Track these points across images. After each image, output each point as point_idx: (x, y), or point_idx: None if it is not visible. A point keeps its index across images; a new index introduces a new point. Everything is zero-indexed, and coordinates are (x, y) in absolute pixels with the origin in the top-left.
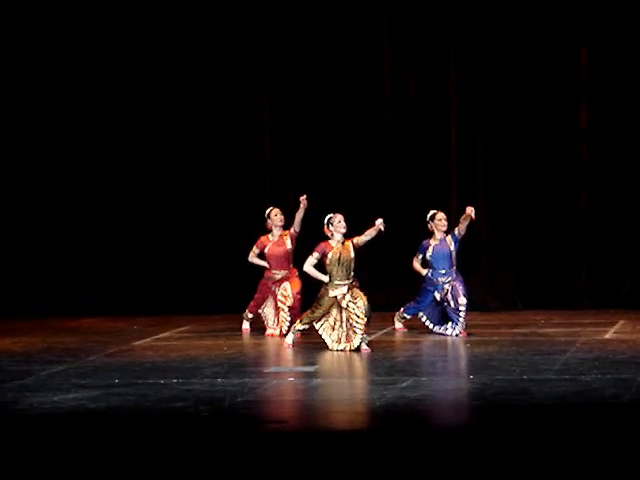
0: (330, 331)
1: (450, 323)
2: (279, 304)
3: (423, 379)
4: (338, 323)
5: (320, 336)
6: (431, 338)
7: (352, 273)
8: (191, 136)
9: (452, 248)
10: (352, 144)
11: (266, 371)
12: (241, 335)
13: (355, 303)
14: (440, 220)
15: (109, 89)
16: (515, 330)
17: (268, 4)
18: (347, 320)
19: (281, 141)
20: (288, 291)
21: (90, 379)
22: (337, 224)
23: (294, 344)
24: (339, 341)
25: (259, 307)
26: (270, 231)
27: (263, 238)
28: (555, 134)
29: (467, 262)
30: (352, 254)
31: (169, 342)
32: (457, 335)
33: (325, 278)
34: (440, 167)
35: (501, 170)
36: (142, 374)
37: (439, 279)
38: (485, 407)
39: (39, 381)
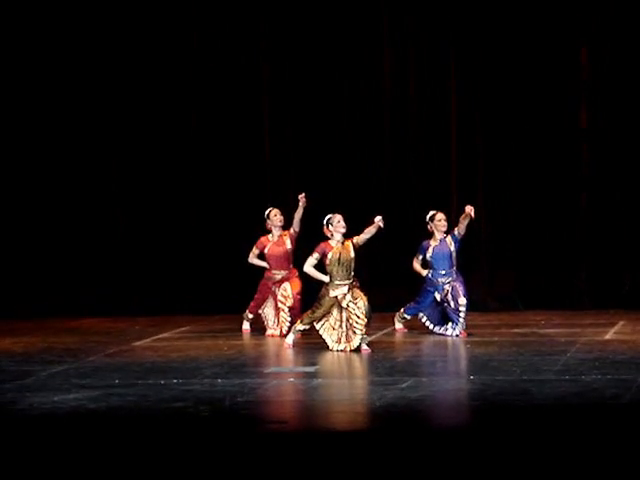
0: (330, 331)
1: (450, 323)
2: (279, 304)
3: (423, 379)
4: (338, 323)
5: (320, 336)
6: (431, 338)
7: (352, 273)
8: (191, 136)
9: (452, 248)
10: (352, 144)
11: (266, 371)
12: (241, 335)
13: (355, 303)
14: (440, 221)
15: (109, 89)
16: (515, 330)
17: (268, 4)
18: (347, 320)
19: (281, 141)
20: (288, 291)
21: (90, 379)
22: (336, 224)
23: (294, 344)
24: (339, 341)
25: (259, 307)
26: (270, 231)
27: (263, 239)
28: (555, 134)
29: (467, 262)
30: (352, 254)
31: (169, 342)
32: (457, 335)
33: (325, 278)
34: (440, 167)
35: (501, 170)
36: (142, 374)
37: (439, 280)
38: (485, 407)
39: (39, 381)
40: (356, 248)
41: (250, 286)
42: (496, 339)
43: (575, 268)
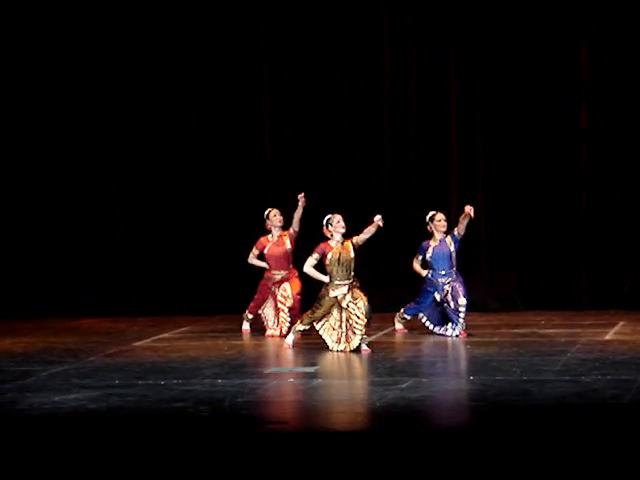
0: (331, 331)
1: (450, 324)
2: (279, 305)
3: (423, 380)
4: (338, 323)
5: (320, 336)
6: (431, 339)
7: (352, 273)
8: (191, 136)
9: (452, 249)
10: (352, 144)
11: (266, 372)
12: (241, 336)
13: (355, 304)
14: (439, 221)
15: (109, 89)
16: (515, 331)
17: (268, 4)
18: (347, 320)
19: (281, 141)
20: (288, 292)
21: (90, 379)
22: (336, 224)
23: (294, 345)
24: (339, 341)
25: (259, 308)
26: (269, 232)
27: (262, 239)
28: (555, 134)
29: (467, 262)
30: (352, 254)
31: (169, 343)
32: (457, 336)
33: (325, 279)
34: (440, 167)
35: (501, 170)
36: (142, 375)
37: (439, 280)
38: (485, 408)
39: (39, 381)
40: (356, 248)
41: (250, 286)
42: (496, 339)
43: (575, 268)
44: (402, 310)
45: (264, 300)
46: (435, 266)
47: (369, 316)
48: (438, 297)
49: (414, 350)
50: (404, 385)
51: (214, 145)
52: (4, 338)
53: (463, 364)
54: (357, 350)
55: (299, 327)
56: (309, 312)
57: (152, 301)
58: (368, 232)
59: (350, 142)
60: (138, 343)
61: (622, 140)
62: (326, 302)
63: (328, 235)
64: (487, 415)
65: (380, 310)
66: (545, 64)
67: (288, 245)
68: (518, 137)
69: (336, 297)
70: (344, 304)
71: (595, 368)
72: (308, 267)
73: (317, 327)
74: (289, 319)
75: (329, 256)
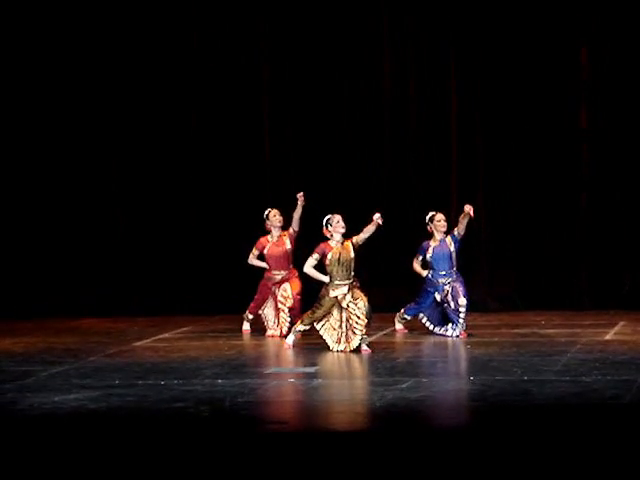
0: (331, 331)
1: (450, 324)
2: (279, 305)
3: (423, 380)
4: (338, 323)
5: (321, 337)
6: (431, 339)
7: (352, 273)
8: (191, 136)
9: (452, 249)
10: (352, 144)
11: (266, 372)
12: (241, 336)
13: (356, 304)
14: (439, 221)
15: (109, 89)
16: (515, 331)
17: (268, 4)
18: (347, 320)
19: (281, 141)
20: (288, 292)
21: (90, 379)
22: (336, 224)
23: (294, 345)
24: (339, 341)
25: (259, 308)
26: (269, 232)
27: (262, 239)
28: (555, 134)
29: (467, 262)
30: (352, 254)
31: (169, 343)
32: (457, 336)
33: (326, 279)
34: (440, 167)
35: (501, 170)
36: (142, 375)
37: (439, 280)
38: (485, 408)
39: (39, 381)
40: (356, 248)
41: (250, 286)
42: (496, 339)
43: (575, 268)
44: (402, 310)
45: (264, 300)
46: (435, 266)
47: (369, 316)
48: (438, 297)
49: (414, 350)
50: (404, 385)
51: (214, 145)
52: (4, 338)
53: (463, 364)
54: (357, 350)
55: (299, 327)
56: (309, 312)
57: (152, 301)
58: (368, 231)
59: (350, 142)
60: (138, 343)
61: (622, 140)
62: (326, 302)
63: (328, 235)
64: (487, 415)
65: (380, 310)
66: (545, 64)
67: (288, 245)
68: (518, 137)
69: (336, 297)
70: (344, 304)
71: (595, 368)
72: (308, 267)
73: (318, 327)
74: (289, 319)
75: (329, 256)
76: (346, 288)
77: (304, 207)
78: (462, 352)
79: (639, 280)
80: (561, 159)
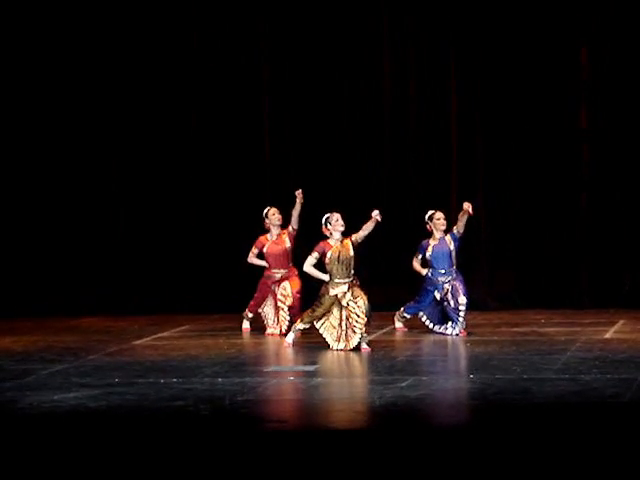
0: (331, 330)
1: (450, 322)
2: (279, 303)
3: (423, 378)
4: (338, 322)
5: (321, 335)
6: (431, 337)
7: (352, 271)
8: (191, 136)
9: (452, 247)
10: (352, 144)
11: (266, 370)
12: (241, 334)
13: (355, 302)
14: (439, 220)
15: (109, 89)
16: (515, 329)
17: (268, 4)
18: (347, 319)
19: (281, 141)
20: (288, 290)
21: (90, 378)
22: (335, 223)
23: (294, 343)
24: (339, 340)
25: (259, 306)
26: (268, 231)
27: (262, 238)
28: (555, 134)
29: (467, 262)
30: (351, 252)
31: (169, 341)
32: (457, 334)
33: (325, 277)
34: (440, 167)
35: (501, 170)
36: (142, 373)
37: (439, 279)
38: (485, 406)
39: (39, 380)
40: (355, 246)
41: (250, 285)
42: (496, 338)
43: (575, 268)
44: (402, 309)
45: (264, 299)
46: (435, 265)
47: (369, 315)
48: (438, 296)
49: (414, 349)
50: (404, 384)
51: (214, 145)
52: (4, 337)
53: (463, 363)
54: (357, 349)
55: (299, 326)
56: (309, 311)
57: (152, 300)
58: (367, 228)
59: (350, 142)
60: (138, 342)
61: (622, 140)
62: (326, 300)
63: (327, 234)
64: (487, 413)
65: (380, 309)
66: (545, 64)
67: (287, 243)
68: (518, 137)
69: (336, 295)
70: (344, 302)
71: (595, 367)
72: (308, 266)
73: (317, 326)
74: (289, 318)
75: (329, 255)
76: (346, 286)
77: (303, 205)
78: (462, 350)
79: (639, 280)
80: (561, 159)
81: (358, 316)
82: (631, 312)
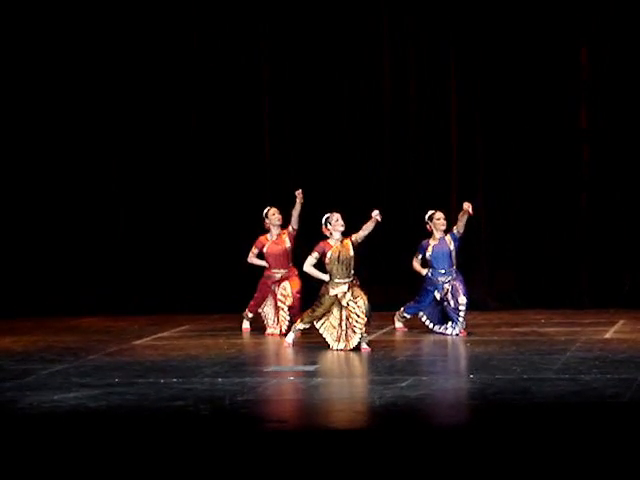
0: (331, 330)
1: (450, 322)
2: (279, 303)
3: (423, 378)
4: (338, 322)
5: (321, 335)
6: (431, 337)
7: (352, 271)
8: (191, 136)
9: (452, 247)
10: (352, 144)
11: (266, 370)
12: (241, 334)
13: (355, 302)
14: (439, 219)
15: (109, 89)
16: (515, 329)
17: (268, 4)
18: (347, 319)
19: (281, 141)
20: (288, 290)
21: (90, 378)
22: (335, 223)
23: (294, 343)
24: (339, 340)
25: (259, 306)
26: (268, 231)
27: (262, 238)
28: (555, 134)
29: (467, 262)
30: (351, 252)
31: (169, 341)
32: (457, 334)
33: (325, 277)
34: (440, 167)
35: (501, 170)
36: (142, 373)
37: (439, 279)
38: (485, 406)
39: (39, 380)
40: (355, 246)
41: (250, 285)
42: (496, 338)
43: (575, 268)
44: (402, 309)
45: (264, 299)
46: (435, 265)
47: (369, 315)
48: (438, 296)
49: (414, 349)
50: (404, 384)
51: (214, 145)
52: (4, 337)
53: (463, 363)
54: (357, 349)
55: (299, 326)
56: (309, 311)
57: (152, 300)
58: (367, 228)
59: (350, 142)
60: (138, 342)
61: (622, 140)
62: (326, 300)
63: (327, 234)
64: (487, 413)
65: (380, 309)
66: (545, 64)
67: (287, 243)
68: (518, 137)
69: (336, 295)
70: (344, 302)
71: (595, 367)
72: (308, 266)
73: (317, 326)
74: (289, 318)
75: (329, 255)
76: (346, 286)
77: (303, 205)
78: (462, 350)
79: (639, 280)
80: (561, 159)
81: (358, 316)
82: (631, 312)
